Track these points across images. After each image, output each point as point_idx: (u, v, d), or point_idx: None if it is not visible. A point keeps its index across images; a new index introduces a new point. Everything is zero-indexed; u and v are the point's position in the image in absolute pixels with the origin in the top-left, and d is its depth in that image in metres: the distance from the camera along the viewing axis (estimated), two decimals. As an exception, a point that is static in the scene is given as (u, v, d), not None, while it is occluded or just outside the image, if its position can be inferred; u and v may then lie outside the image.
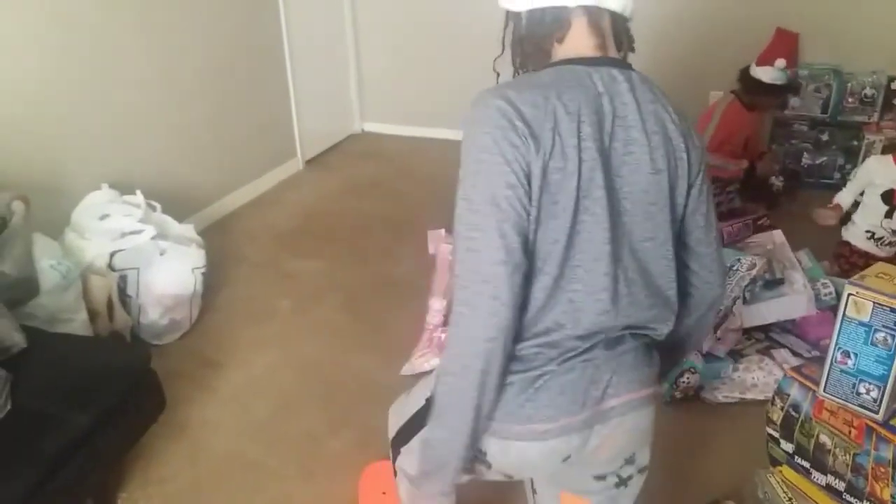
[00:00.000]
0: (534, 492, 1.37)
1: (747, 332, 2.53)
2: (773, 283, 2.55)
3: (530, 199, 1.03)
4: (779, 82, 3.49)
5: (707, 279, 1.23)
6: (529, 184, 1.02)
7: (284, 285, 3.14)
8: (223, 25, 3.60)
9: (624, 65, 1.14)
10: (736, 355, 2.44)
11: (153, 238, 2.69)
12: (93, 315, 2.51)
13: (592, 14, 1.13)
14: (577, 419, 1.11)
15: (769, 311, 2.51)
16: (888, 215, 2.85)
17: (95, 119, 2.94)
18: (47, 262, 2.35)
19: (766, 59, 3.50)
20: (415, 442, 1.30)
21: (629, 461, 1.25)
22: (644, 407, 1.19)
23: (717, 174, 3.54)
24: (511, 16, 1.19)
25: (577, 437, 1.13)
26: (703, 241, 1.21)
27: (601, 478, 1.24)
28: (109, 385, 1.92)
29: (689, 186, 1.16)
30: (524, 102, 1.02)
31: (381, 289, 3.10)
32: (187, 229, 2.90)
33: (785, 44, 3.56)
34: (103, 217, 2.68)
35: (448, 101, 4.83)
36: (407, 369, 2.51)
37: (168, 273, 2.67)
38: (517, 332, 1.08)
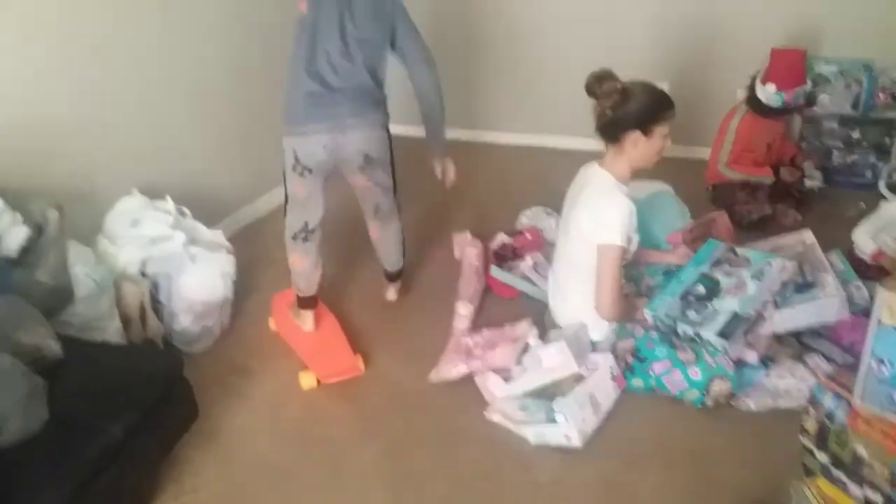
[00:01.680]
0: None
1: (779, 338, 2.50)
2: (804, 287, 2.52)
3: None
4: (773, 104, 3.39)
5: (417, 64, 2.57)
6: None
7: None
8: (252, 29, 3.63)
9: None
10: (768, 361, 2.41)
11: (184, 244, 2.72)
12: (126, 322, 2.54)
13: None
14: (326, 125, 2.40)
15: (801, 315, 2.47)
16: None
17: (126, 124, 2.98)
18: (82, 270, 2.39)
19: (765, 79, 3.41)
20: None
21: (368, 159, 2.52)
22: (370, 128, 2.48)
23: (743, 183, 3.51)
24: None
25: (328, 136, 2.41)
26: (411, 47, 2.54)
27: (362, 169, 2.54)
28: (143, 394, 1.95)
29: (393, 26, 2.47)
30: None
31: (407, 292, 3.11)
32: (217, 235, 2.92)
33: (783, 64, 3.40)
34: (135, 223, 2.71)
35: (467, 101, 4.85)
36: (434, 376, 2.51)
37: (199, 279, 2.69)
38: (307, 88, 2.41)
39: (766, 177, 3.54)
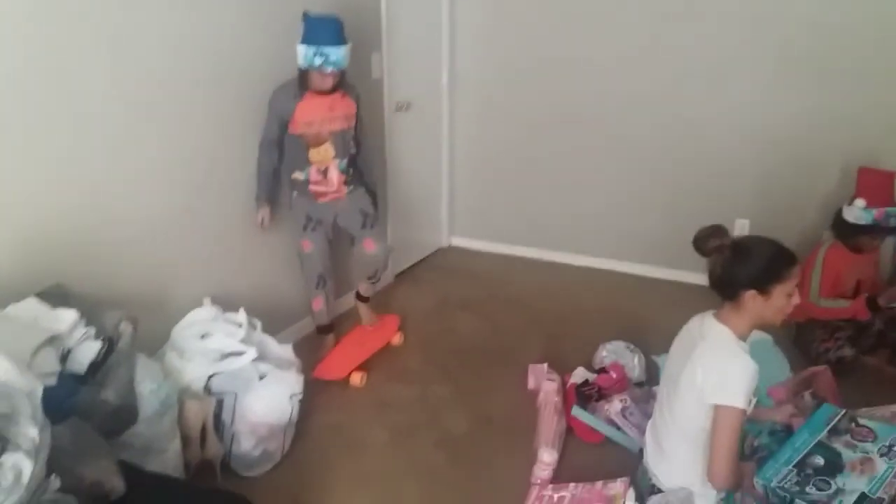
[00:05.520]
0: None
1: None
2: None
3: None
4: (862, 222, 3.24)
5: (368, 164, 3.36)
6: None
7: (378, 413, 2.96)
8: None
9: None
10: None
11: (253, 361, 2.55)
12: (184, 441, 2.36)
13: None
14: None
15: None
16: None
17: (199, 234, 2.92)
18: (147, 387, 2.22)
19: (852, 198, 3.31)
20: None
21: None
22: None
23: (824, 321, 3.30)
24: None
25: None
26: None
27: None
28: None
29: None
30: None
31: (479, 426, 2.89)
32: (286, 350, 2.76)
33: (871, 184, 3.32)
34: (204, 336, 2.57)
35: (539, 220, 4.73)
36: (516, 534, 2.26)
37: (266, 400, 2.52)
38: None
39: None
